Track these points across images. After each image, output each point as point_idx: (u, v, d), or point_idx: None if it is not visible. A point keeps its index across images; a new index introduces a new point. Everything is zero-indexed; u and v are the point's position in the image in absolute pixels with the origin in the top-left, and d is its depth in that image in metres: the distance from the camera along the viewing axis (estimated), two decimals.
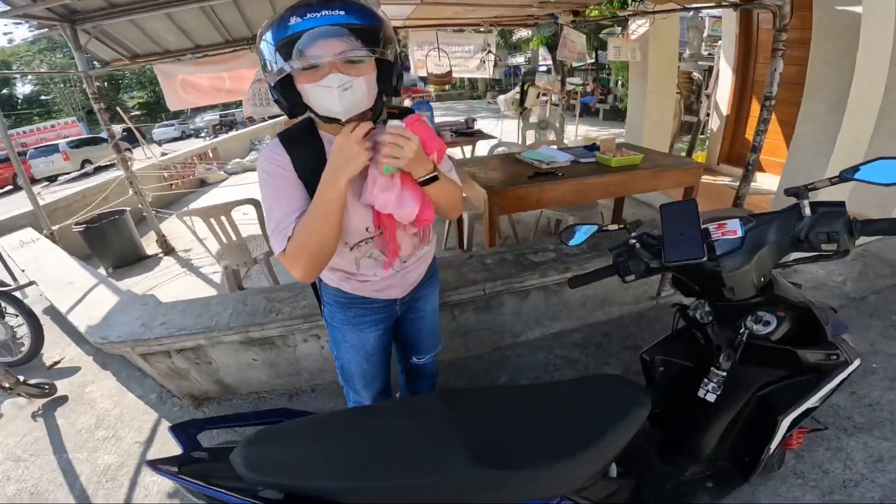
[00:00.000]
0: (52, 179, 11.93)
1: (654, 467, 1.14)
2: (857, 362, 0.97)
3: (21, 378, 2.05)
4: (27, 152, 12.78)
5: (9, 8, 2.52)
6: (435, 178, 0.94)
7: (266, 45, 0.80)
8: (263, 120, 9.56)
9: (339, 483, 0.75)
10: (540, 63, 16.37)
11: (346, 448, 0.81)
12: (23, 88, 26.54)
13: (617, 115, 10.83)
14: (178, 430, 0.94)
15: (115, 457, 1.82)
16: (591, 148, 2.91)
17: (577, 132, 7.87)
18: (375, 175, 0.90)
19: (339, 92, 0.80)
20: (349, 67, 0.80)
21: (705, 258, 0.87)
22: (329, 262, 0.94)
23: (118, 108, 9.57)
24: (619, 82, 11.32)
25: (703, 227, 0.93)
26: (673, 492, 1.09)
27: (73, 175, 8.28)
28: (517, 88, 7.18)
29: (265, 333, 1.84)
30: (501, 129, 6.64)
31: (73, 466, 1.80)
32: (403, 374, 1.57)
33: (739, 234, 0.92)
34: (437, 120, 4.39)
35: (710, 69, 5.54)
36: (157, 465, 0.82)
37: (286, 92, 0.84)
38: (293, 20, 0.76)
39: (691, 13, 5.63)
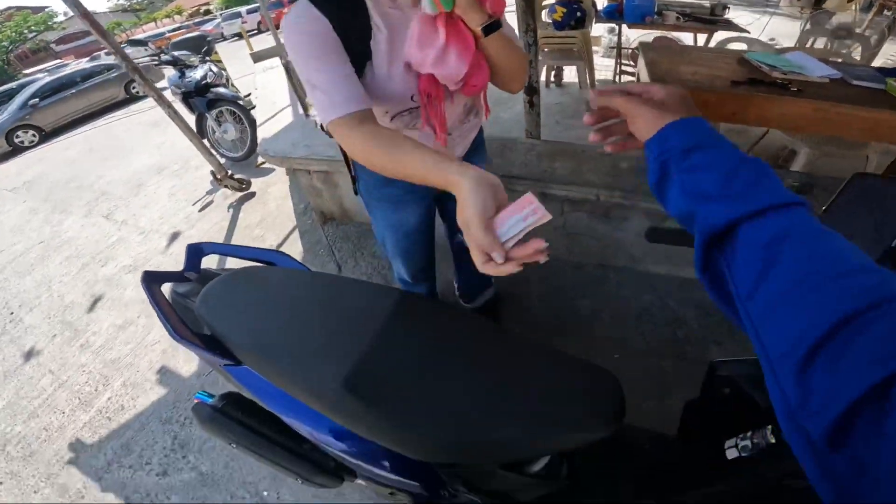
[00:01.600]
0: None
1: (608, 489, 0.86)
2: None
3: (229, 172, 2.83)
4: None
5: None
6: (497, 26, 0.77)
7: None
8: None
9: (240, 341, 0.73)
10: None
11: (269, 311, 0.78)
12: None
13: None
14: (190, 249, 0.98)
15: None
16: (891, 72, 1.84)
17: None
18: (415, 27, 0.76)
19: None
20: None
21: None
22: None
23: None
24: None
25: None
26: None
27: None
28: None
29: None
30: (764, 27, 4.78)
31: (223, 260, 2.28)
32: (453, 254, 1.51)
33: None
34: None
35: None
36: (146, 276, 0.86)
37: None
38: None
39: None
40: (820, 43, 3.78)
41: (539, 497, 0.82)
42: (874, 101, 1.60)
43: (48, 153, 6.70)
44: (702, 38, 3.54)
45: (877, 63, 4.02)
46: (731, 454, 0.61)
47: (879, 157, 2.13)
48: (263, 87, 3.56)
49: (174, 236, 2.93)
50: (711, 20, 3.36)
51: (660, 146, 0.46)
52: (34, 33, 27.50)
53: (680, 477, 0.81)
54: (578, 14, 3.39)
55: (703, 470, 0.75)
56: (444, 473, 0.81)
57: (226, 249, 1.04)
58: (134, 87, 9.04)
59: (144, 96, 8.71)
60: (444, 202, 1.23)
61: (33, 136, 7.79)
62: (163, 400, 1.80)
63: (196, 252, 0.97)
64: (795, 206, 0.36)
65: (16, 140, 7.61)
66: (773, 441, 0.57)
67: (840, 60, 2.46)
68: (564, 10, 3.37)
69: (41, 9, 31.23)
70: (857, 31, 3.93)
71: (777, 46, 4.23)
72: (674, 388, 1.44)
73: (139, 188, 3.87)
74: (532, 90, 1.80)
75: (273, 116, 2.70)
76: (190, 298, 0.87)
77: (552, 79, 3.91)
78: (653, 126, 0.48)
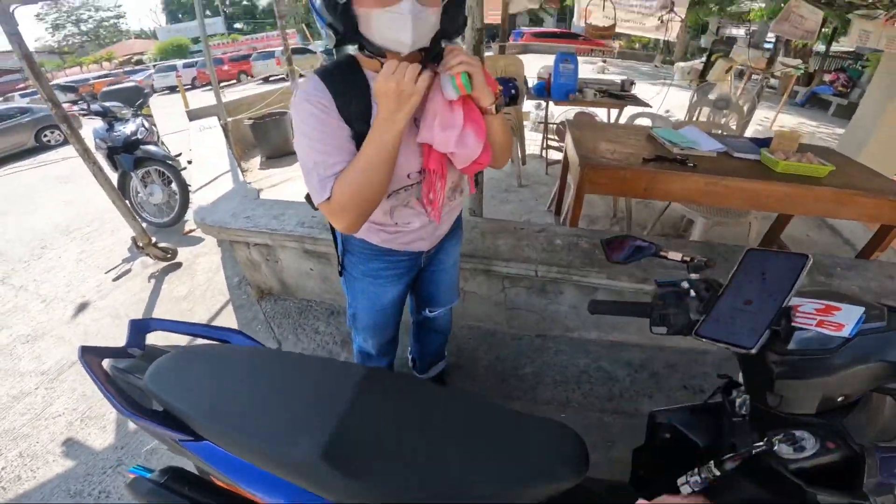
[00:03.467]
0: (266, 79, 15.05)
1: None
2: None
3: (153, 240, 2.61)
4: (252, 55, 16.34)
5: None
6: (514, 100, 0.91)
7: None
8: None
9: (200, 416, 0.73)
10: (766, 39, 13.06)
11: (232, 386, 0.79)
12: (261, 0, 31.90)
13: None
14: (134, 324, 0.97)
15: None
16: (762, 143, 2.21)
17: (775, 123, 6.14)
18: (436, 110, 0.82)
19: (412, 19, 0.71)
20: None
21: (753, 350, 0.63)
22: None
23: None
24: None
25: (790, 303, 0.66)
26: None
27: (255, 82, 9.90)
28: (702, 58, 5.85)
29: (318, 248, 1.95)
30: (663, 100, 5.57)
31: None
32: (414, 326, 1.55)
33: (847, 332, 0.60)
34: (582, 76, 3.85)
35: None
36: (85, 351, 0.86)
37: (342, 15, 0.73)
38: None
39: None
40: (705, 112, 4.47)
41: None
42: (752, 173, 1.92)
43: None
44: (614, 112, 4.05)
45: (750, 129, 4.84)
46: (685, 490, 0.67)
47: (760, 222, 2.50)
48: (198, 147, 3.41)
49: (82, 306, 2.60)
50: (622, 96, 3.89)
51: None
52: None
53: None
54: (513, 91, 3.69)
55: None
56: None
57: (176, 326, 1.02)
58: (45, 136, 8.19)
59: (56, 146, 7.91)
60: (421, 277, 1.26)
61: None
62: (71, 473, 1.64)
63: (141, 328, 0.96)
64: None
65: None
66: (719, 473, 0.64)
67: (723, 133, 2.90)
68: (500, 88, 3.65)
69: None
70: (734, 99, 4.72)
71: (673, 118, 4.91)
72: (618, 439, 1.57)
73: (43, 251, 3.41)
74: None
75: (210, 182, 2.57)
76: (132, 374, 0.86)
77: None
78: None
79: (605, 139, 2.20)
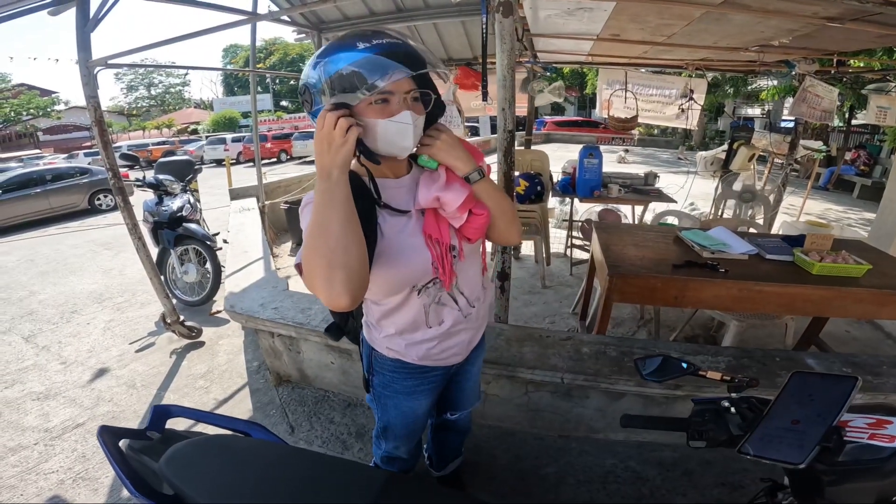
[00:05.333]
0: (302, 159, 15.82)
1: None
2: None
3: (181, 318, 2.68)
4: (293, 134, 17.17)
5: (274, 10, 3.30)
6: (482, 175, 0.93)
7: (329, 67, 0.77)
8: None
9: None
10: (784, 118, 13.41)
11: (247, 481, 0.78)
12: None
13: (881, 195, 7.96)
14: (157, 410, 0.99)
15: (192, 405, 2.21)
16: (794, 241, 2.16)
17: (803, 210, 6.07)
18: (420, 180, 0.93)
19: (413, 128, 0.81)
20: (416, 105, 0.83)
21: (802, 465, 0.63)
22: (354, 284, 0.77)
23: None
24: (893, 151, 8.35)
25: (839, 421, 0.66)
26: None
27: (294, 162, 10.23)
28: (723, 146, 5.97)
29: (340, 344, 1.92)
30: (689, 192, 5.63)
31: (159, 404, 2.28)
32: (433, 428, 1.53)
33: None
34: (606, 169, 3.92)
35: None
36: (104, 431, 0.87)
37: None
38: (372, 54, 0.76)
39: None
40: (730, 204, 4.46)
41: None
42: (786, 276, 1.84)
43: None
44: (639, 208, 4.06)
45: (778, 220, 4.77)
46: None
47: (797, 321, 2.37)
48: (237, 230, 3.59)
49: (100, 372, 2.63)
50: (646, 190, 3.93)
51: None
52: (30, 116, 26.55)
53: None
54: (538, 188, 3.66)
55: None
56: None
57: (198, 415, 1.03)
58: (98, 200, 8.70)
59: (106, 210, 8.40)
60: (448, 386, 1.26)
61: None
62: None
63: (163, 413, 0.98)
64: None
65: None
66: None
67: (749, 228, 2.85)
68: (527, 184, 3.63)
69: (50, 92, 30.33)
70: (758, 187, 4.70)
71: (697, 211, 4.92)
72: None
73: (73, 315, 3.53)
74: (504, 276, 1.92)
75: (243, 268, 2.67)
76: (147, 455, 0.87)
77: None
78: None
79: (632, 243, 2.19)
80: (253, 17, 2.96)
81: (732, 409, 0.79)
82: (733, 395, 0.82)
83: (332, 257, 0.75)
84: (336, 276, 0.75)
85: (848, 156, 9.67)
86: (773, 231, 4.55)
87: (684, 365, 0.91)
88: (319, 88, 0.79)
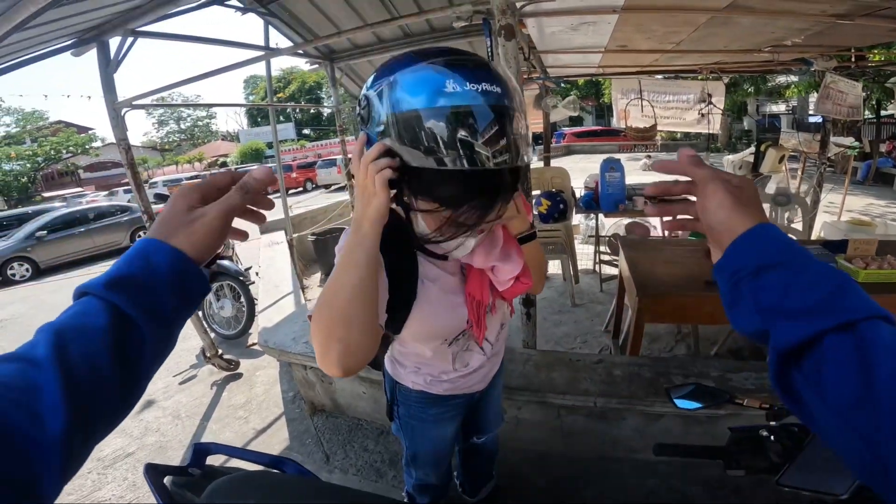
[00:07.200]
0: (327, 186, 16.26)
1: None
2: None
3: (220, 351, 2.80)
4: (317, 162, 17.57)
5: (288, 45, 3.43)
6: (534, 235, 0.91)
7: (402, 97, 0.58)
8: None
9: None
10: (810, 113, 12.89)
11: None
12: (326, 109, 36.08)
13: None
14: (198, 448, 1.04)
15: (232, 435, 2.30)
16: (836, 247, 2.07)
17: (844, 208, 5.75)
18: (478, 241, 0.88)
19: (475, 241, 0.78)
20: None
21: (845, 496, 0.62)
22: (349, 360, 0.67)
23: None
24: None
25: None
26: None
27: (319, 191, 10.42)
28: (751, 149, 5.78)
29: (370, 375, 1.97)
30: None
31: (201, 434, 2.35)
32: (461, 454, 1.54)
33: None
34: (630, 180, 3.81)
35: None
36: (149, 468, 0.91)
37: (409, 181, 0.64)
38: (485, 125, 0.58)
39: None
40: (765, 209, 4.28)
41: None
42: None
43: (34, 291, 6.53)
44: (668, 218, 3.95)
45: (819, 220, 4.55)
46: None
47: None
48: (267, 264, 3.73)
49: (148, 403, 2.77)
50: (672, 200, 3.81)
51: (735, 262, 0.45)
52: (70, 154, 26.31)
53: None
54: (561, 206, 3.54)
55: None
56: None
57: (234, 452, 1.08)
58: (139, 236, 9.13)
59: None
60: (471, 410, 1.26)
61: (26, 270, 7.51)
62: None
63: (203, 451, 1.02)
64: (882, 318, 0.37)
65: (8, 272, 7.27)
66: None
67: (787, 233, 2.72)
68: (549, 203, 3.53)
69: (86, 129, 29.82)
70: (793, 189, 4.50)
71: None
72: None
73: None
74: (529, 302, 1.92)
75: (275, 303, 2.77)
76: (189, 490, 0.89)
77: None
78: (726, 216, 0.46)
79: (661, 260, 2.15)
80: (268, 52, 3.09)
81: (772, 437, 0.76)
82: (772, 423, 0.78)
83: (332, 328, 0.66)
84: (332, 347, 0.66)
85: (883, 148, 9.21)
86: (815, 232, 4.35)
87: (719, 392, 0.88)
88: (380, 119, 0.61)
